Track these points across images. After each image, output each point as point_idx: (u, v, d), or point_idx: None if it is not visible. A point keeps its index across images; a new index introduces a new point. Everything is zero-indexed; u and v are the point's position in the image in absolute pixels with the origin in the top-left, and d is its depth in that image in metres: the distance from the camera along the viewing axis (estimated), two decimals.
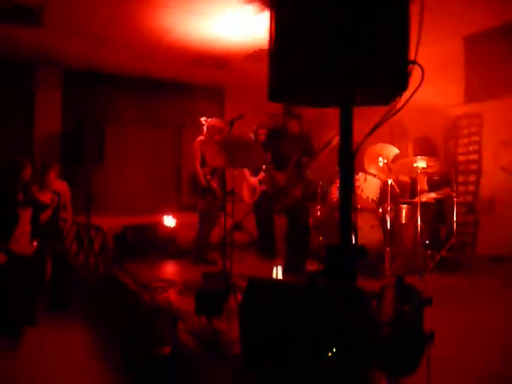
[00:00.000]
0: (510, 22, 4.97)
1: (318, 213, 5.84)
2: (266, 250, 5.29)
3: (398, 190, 4.48)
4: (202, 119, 5.11)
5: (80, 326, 3.75)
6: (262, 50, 5.66)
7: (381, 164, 4.52)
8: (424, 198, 4.57)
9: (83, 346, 3.35)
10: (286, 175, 3.88)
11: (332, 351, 2.11)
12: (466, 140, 5.62)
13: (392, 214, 4.63)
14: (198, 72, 6.67)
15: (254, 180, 5.36)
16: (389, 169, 4.46)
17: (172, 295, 3.55)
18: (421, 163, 4.11)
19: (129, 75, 6.70)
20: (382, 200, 4.59)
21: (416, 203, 4.29)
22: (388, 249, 4.22)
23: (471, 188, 5.50)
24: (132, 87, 6.80)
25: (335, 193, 5.04)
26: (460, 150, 5.66)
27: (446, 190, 4.80)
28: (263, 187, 5.23)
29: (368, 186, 4.54)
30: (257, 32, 5.13)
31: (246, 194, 5.55)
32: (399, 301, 1.89)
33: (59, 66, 6.39)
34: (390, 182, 4.32)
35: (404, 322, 1.71)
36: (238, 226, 6.50)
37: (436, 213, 4.82)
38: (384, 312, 1.86)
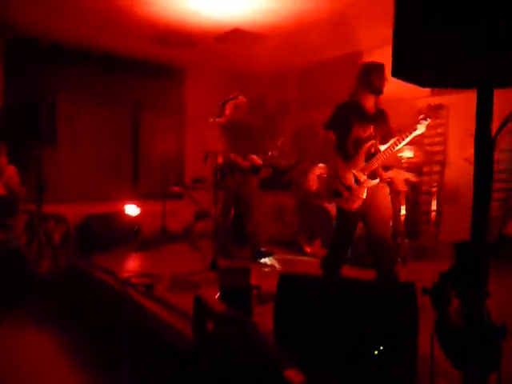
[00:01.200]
0: None
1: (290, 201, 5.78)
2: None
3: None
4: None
5: (43, 324, 3.33)
6: (237, 31, 5.39)
7: None
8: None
9: (49, 344, 2.99)
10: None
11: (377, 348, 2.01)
12: (432, 131, 5.81)
13: None
14: (160, 50, 6.21)
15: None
16: None
17: (165, 292, 3.26)
18: (407, 153, 4.14)
19: (85, 48, 6.06)
20: None
21: (399, 192, 4.34)
22: None
23: (435, 177, 5.72)
24: (88, 62, 6.15)
25: (313, 181, 4.97)
26: (426, 140, 5.85)
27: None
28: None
29: None
30: (235, 10, 4.84)
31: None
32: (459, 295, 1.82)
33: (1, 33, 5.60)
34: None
35: (479, 318, 1.64)
36: (201, 215, 6.25)
37: (411, 202, 4.94)
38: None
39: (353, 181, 3.04)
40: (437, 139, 5.77)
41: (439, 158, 5.70)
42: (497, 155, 5.27)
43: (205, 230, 6.06)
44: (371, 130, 3.12)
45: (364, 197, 3.03)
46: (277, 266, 4.15)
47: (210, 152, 3.20)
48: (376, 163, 3.07)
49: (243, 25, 5.23)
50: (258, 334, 1.28)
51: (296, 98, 7.63)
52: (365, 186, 3.04)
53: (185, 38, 5.70)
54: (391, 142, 3.10)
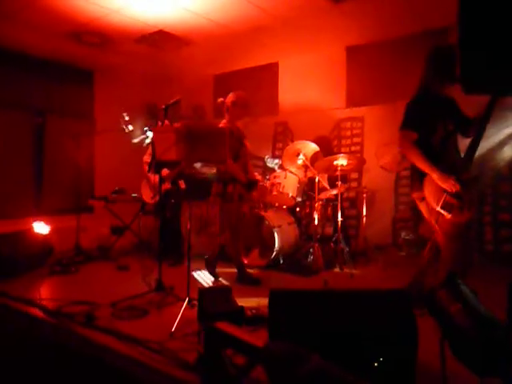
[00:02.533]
0: (384, 40, 5.66)
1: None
2: (173, 255, 4.78)
3: (328, 187, 4.58)
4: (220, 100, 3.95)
5: None
6: (162, 33, 5.08)
7: (300, 161, 4.56)
8: (328, 194, 4.80)
9: None
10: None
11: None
12: (349, 141, 6.15)
13: (308, 210, 4.74)
14: (71, 48, 5.60)
15: (155, 178, 4.79)
16: (307, 166, 4.53)
17: (111, 320, 2.86)
18: (342, 161, 4.29)
19: None
20: (299, 196, 4.64)
21: (331, 199, 4.47)
22: (316, 245, 4.29)
23: (353, 185, 6.06)
24: None
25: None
26: (343, 149, 6.17)
27: (343, 186, 5.15)
28: (166, 186, 4.71)
29: (288, 182, 4.53)
30: (161, 11, 4.56)
31: (145, 194, 4.92)
32: (458, 299, 1.87)
33: None
34: (316, 178, 4.39)
35: (486, 321, 1.70)
36: (116, 231, 5.75)
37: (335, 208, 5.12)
38: (450, 313, 1.81)
39: (458, 185, 2.46)
40: (353, 148, 6.12)
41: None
42: (408, 163, 5.78)
43: (122, 246, 5.59)
44: (453, 122, 2.72)
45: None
46: (223, 281, 3.95)
47: (161, 161, 2.90)
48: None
49: (169, 27, 4.96)
50: (340, 372, 1.12)
51: (213, 105, 7.50)
52: (470, 187, 2.51)
53: (103, 37, 5.21)
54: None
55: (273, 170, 5.04)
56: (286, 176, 4.54)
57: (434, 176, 2.50)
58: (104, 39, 5.26)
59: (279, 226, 4.45)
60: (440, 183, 2.48)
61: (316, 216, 4.33)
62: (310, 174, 4.67)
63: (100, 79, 6.72)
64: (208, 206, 4.82)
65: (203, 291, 2.10)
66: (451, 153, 2.70)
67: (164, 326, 2.78)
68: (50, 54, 5.80)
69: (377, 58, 5.89)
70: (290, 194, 4.50)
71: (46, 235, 4.82)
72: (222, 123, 3.87)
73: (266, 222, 4.50)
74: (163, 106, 3.30)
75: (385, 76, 5.85)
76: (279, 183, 4.50)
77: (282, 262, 4.48)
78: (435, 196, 2.51)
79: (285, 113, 6.66)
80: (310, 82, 6.36)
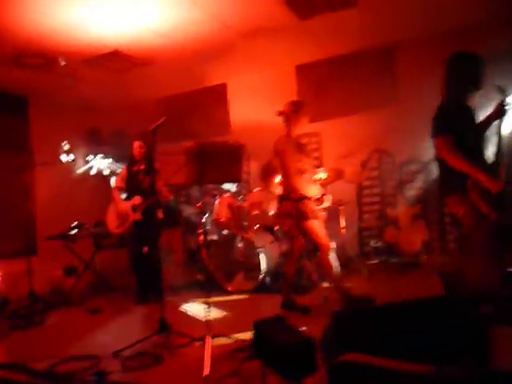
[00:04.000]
0: (333, 57, 5.88)
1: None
2: (146, 292, 4.36)
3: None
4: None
5: None
6: (116, 53, 4.74)
7: (277, 180, 4.47)
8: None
9: None
10: None
11: None
12: (309, 157, 6.20)
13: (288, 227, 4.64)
14: (4, 72, 5.00)
15: (125, 205, 4.38)
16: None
17: (123, 374, 2.47)
18: (322, 175, 4.28)
19: None
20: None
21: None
22: (307, 261, 4.19)
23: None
24: None
25: (223, 212, 4.65)
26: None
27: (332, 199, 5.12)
28: (137, 216, 4.32)
29: (268, 201, 4.41)
30: (118, 30, 4.25)
31: (111, 223, 4.47)
32: None
33: None
34: None
35: None
36: (71, 271, 5.20)
37: None
38: None
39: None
40: (313, 163, 6.19)
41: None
42: (368, 173, 5.99)
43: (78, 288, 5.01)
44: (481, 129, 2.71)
45: None
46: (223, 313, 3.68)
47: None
48: None
49: (124, 46, 4.64)
50: None
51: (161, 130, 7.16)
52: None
53: (47, 58, 4.72)
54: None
55: (227, 191, 4.89)
56: (266, 195, 4.41)
57: (481, 177, 2.49)
58: (48, 60, 4.77)
59: (263, 247, 4.29)
60: (486, 184, 2.49)
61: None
62: None
63: (36, 105, 6.10)
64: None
65: (257, 325, 1.87)
66: (481, 157, 2.71)
67: (187, 371, 2.48)
68: None
69: (327, 75, 6.08)
70: (272, 212, 4.38)
71: None
72: (282, 136, 3.57)
73: (249, 244, 4.32)
74: (151, 129, 3.01)
75: (336, 92, 6.05)
76: (260, 202, 4.36)
77: (269, 283, 4.31)
78: (482, 197, 2.51)
79: (238, 134, 6.57)
80: (261, 101, 6.36)
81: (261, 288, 4.28)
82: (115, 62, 4.94)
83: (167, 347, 2.81)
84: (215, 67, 5.83)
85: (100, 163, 5.61)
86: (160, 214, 4.47)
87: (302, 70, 6.22)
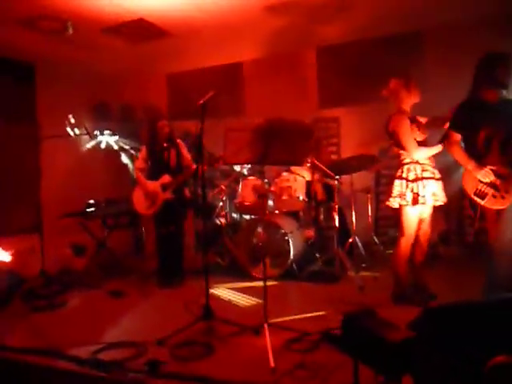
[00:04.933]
0: (355, 40, 5.68)
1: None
2: (170, 275, 4.17)
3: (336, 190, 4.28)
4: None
5: None
6: (142, 21, 4.45)
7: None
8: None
9: None
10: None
11: None
12: (325, 142, 6.07)
13: (314, 213, 4.53)
14: (18, 37, 4.64)
15: (154, 185, 4.16)
16: (314, 168, 4.29)
17: (174, 365, 2.31)
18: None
19: None
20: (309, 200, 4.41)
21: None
22: (340, 250, 4.07)
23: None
24: None
25: (248, 195, 4.45)
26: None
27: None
28: (167, 194, 4.12)
29: (298, 185, 4.26)
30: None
31: (140, 204, 4.24)
32: None
33: None
34: (336, 181, 4.15)
35: None
36: (80, 250, 5.00)
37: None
38: None
39: (494, 176, 2.75)
40: (329, 149, 6.06)
41: None
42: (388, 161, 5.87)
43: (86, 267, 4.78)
44: (500, 126, 2.79)
45: None
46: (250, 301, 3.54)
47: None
48: None
49: (150, 16, 4.35)
50: None
51: (168, 106, 6.90)
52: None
53: (62, 23, 4.40)
54: None
55: (242, 174, 4.72)
56: (296, 179, 4.26)
57: (469, 166, 2.81)
58: (64, 26, 4.44)
59: (291, 232, 4.16)
60: (474, 173, 2.78)
61: (337, 219, 4.10)
62: (318, 177, 4.43)
63: (43, 74, 5.73)
64: None
65: (347, 319, 1.74)
66: (494, 154, 2.83)
67: (245, 362, 2.35)
68: None
69: (349, 59, 5.90)
70: (301, 198, 4.24)
71: (8, 263, 3.91)
72: (394, 115, 3.34)
73: (276, 229, 4.18)
74: (201, 102, 2.79)
75: (358, 77, 5.88)
76: (289, 186, 4.21)
77: (297, 270, 4.19)
78: (470, 185, 2.83)
79: (254, 115, 6.36)
80: (280, 82, 6.15)
81: (287, 274, 4.16)
82: (136, 32, 4.64)
83: (215, 335, 2.66)
84: (233, 45, 5.58)
85: (107, 139, 5.39)
86: (187, 193, 4.29)
87: (323, 53, 6.03)
